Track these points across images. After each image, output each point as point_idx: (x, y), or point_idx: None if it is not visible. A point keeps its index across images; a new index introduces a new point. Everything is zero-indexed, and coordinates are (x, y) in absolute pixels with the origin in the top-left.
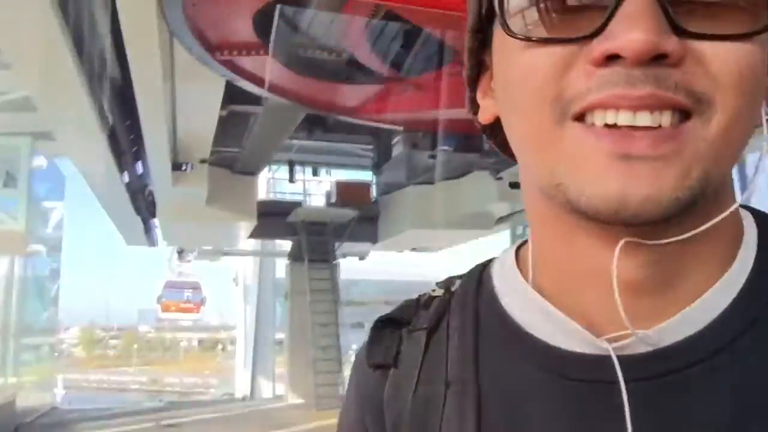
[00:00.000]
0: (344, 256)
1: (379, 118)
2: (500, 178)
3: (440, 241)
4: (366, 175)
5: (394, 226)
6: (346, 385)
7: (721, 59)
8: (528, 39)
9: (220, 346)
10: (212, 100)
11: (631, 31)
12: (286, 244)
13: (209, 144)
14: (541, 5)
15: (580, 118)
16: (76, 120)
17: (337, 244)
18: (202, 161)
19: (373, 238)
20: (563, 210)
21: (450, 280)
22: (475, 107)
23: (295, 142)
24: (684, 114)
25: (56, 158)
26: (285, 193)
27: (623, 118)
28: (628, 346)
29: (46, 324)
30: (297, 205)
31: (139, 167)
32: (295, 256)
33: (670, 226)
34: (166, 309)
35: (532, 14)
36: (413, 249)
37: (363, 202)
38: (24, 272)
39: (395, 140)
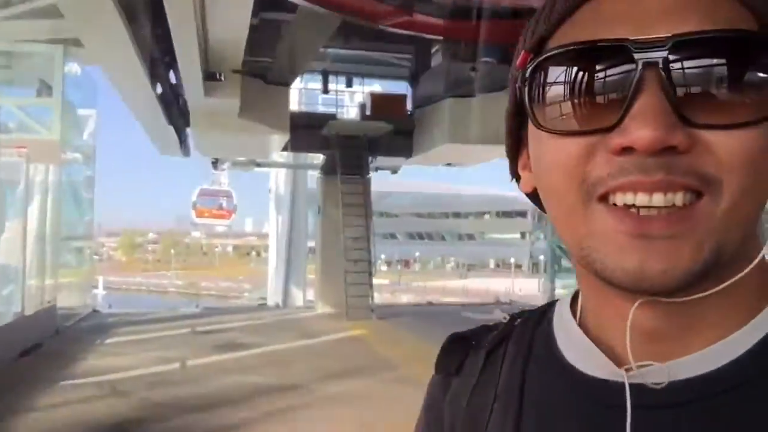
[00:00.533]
0: (376, 169)
1: (417, 25)
2: None
3: (475, 157)
4: (401, 87)
5: (429, 140)
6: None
7: (727, 146)
8: (555, 132)
9: (254, 253)
10: (243, 6)
11: (642, 127)
12: (318, 156)
13: (241, 53)
14: (566, 101)
15: (603, 198)
16: (103, 27)
17: (370, 158)
18: (235, 71)
19: (408, 152)
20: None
21: (522, 312)
22: (516, 176)
23: (329, 51)
24: (695, 193)
25: (89, 66)
26: (318, 104)
27: (640, 199)
28: (645, 377)
29: (85, 230)
30: (331, 117)
31: (173, 77)
32: (327, 170)
33: (690, 286)
34: (200, 215)
35: (558, 108)
36: (447, 164)
37: (398, 115)
38: (59, 179)
39: (434, 49)
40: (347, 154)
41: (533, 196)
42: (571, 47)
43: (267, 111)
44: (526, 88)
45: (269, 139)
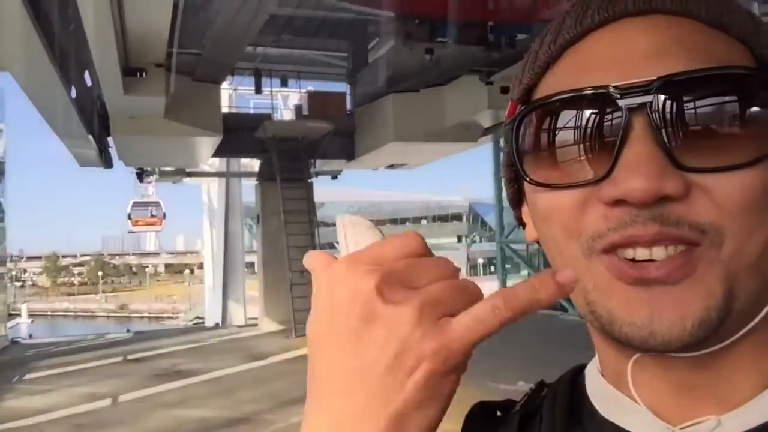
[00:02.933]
0: (316, 175)
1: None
2: (491, 83)
3: (421, 156)
4: (339, 88)
5: (373, 139)
6: None
7: (725, 189)
8: (545, 185)
9: (187, 271)
10: None
11: (632, 178)
12: (252, 164)
13: (164, 44)
14: (554, 152)
15: (606, 251)
16: (8, 24)
17: (311, 161)
18: (158, 65)
19: (350, 154)
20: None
21: (546, 384)
22: (522, 223)
23: (260, 50)
24: (693, 243)
25: None
26: (250, 108)
27: (641, 253)
28: None
29: None
30: (266, 117)
31: (88, 79)
32: (265, 175)
33: (706, 338)
34: (135, 224)
35: (547, 160)
36: (390, 166)
37: (338, 114)
38: None
39: (371, 45)
40: (286, 157)
41: (539, 242)
42: (554, 98)
43: (196, 111)
44: (514, 140)
45: (199, 143)
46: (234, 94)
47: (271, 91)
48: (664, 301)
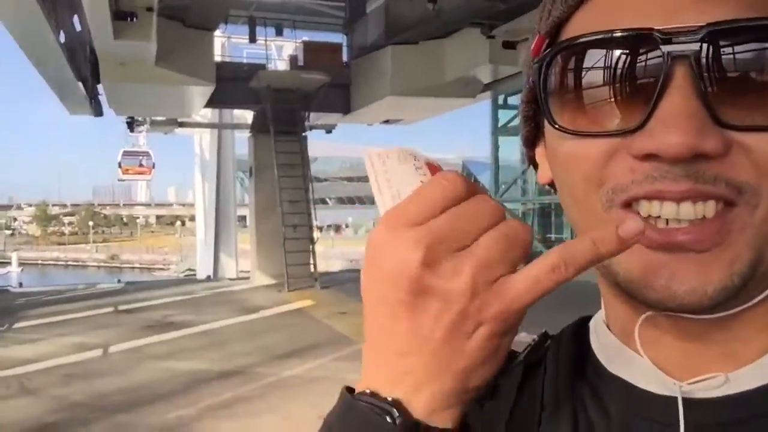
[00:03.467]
0: (310, 129)
1: None
2: (492, 37)
3: (418, 112)
4: (335, 39)
5: (369, 93)
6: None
7: (765, 149)
8: (572, 132)
9: (179, 223)
10: None
11: (669, 132)
12: (245, 117)
13: None
14: (585, 97)
15: (626, 205)
16: None
17: (306, 114)
18: (149, 9)
19: (345, 108)
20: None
21: (550, 335)
22: (534, 164)
23: None
24: (728, 203)
25: None
26: (243, 58)
27: (667, 210)
28: (701, 390)
29: None
30: (260, 67)
31: (77, 23)
32: (259, 127)
33: (725, 302)
34: (125, 172)
35: (576, 105)
36: (385, 121)
37: (334, 66)
38: None
39: None
40: (280, 109)
41: (551, 185)
42: (591, 37)
43: (189, 58)
44: (541, 79)
45: (191, 92)
46: (227, 43)
47: (265, 41)
48: (687, 267)
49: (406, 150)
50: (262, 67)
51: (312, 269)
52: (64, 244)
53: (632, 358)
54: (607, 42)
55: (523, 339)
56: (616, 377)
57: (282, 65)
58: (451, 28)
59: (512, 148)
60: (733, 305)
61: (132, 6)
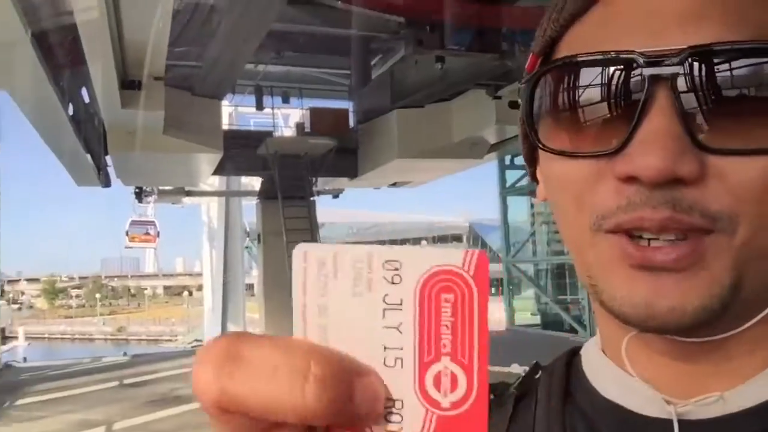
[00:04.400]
0: (318, 194)
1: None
2: (498, 97)
3: (425, 173)
4: (343, 105)
5: (376, 157)
6: None
7: (742, 173)
8: (557, 152)
9: (186, 293)
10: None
11: (647, 155)
12: (252, 184)
13: (163, 56)
14: (570, 118)
15: (612, 231)
16: (4, 41)
17: (313, 179)
18: (157, 78)
19: (352, 172)
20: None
21: (543, 366)
22: (536, 180)
23: (261, 68)
24: (705, 230)
25: None
26: (250, 127)
27: (648, 234)
28: (696, 411)
29: None
30: (267, 134)
31: (86, 96)
32: (266, 194)
33: (707, 324)
34: (132, 240)
35: (562, 125)
36: (393, 184)
37: (340, 131)
38: None
39: (374, 62)
40: (288, 175)
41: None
42: (574, 59)
43: (197, 126)
44: (527, 100)
45: (199, 160)
46: (234, 113)
47: (273, 108)
48: (667, 285)
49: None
50: (269, 134)
51: None
52: (71, 317)
53: (624, 379)
54: (591, 64)
55: (515, 371)
56: (610, 402)
57: (288, 133)
58: (457, 89)
59: (520, 209)
60: (719, 330)
61: (140, 75)
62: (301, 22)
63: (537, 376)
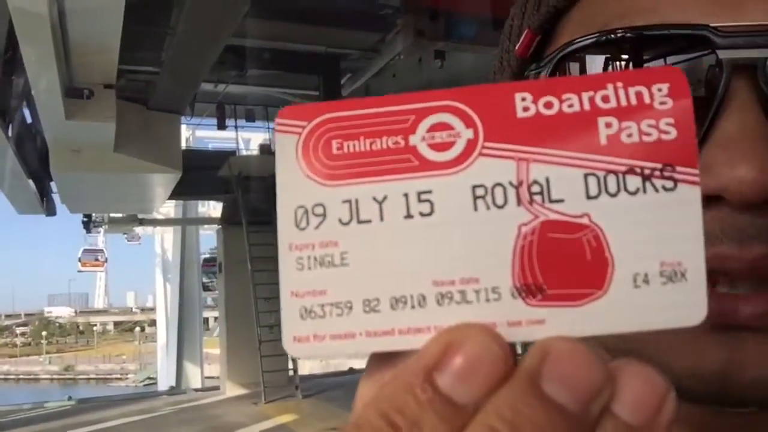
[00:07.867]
0: None
1: None
2: None
3: None
4: None
5: None
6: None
7: None
8: None
9: (138, 329)
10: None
11: (736, 164)
12: (209, 213)
13: (114, 60)
14: None
15: None
16: None
17: None
18: (107, 86)
19: None
20: None
21: None
22: None
23: (220, 88)
24: None
25: None
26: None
27: (727, 279)
28: None
29: None
30: (229, 154)
31: (27, 115)
32: (229, 219)
33: None
34: (83, 265)
35: None
36: None
37: None
38: None
39: (344, 80)
40: (253, 198)
41: None
42: (617, 33)
43: (152, 143)
44: None
45: (154, 181)
46: (192, 137)
47: (236, 127)
48: (751, 350)
49: None
50: (232, 153)
51: (291, 374)
52: (15, 356)
53: None
54: (640, 42)
55: None
56: None
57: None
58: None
59: None
60: None
61: (88, 82)
62: (268, 38)
63: None
